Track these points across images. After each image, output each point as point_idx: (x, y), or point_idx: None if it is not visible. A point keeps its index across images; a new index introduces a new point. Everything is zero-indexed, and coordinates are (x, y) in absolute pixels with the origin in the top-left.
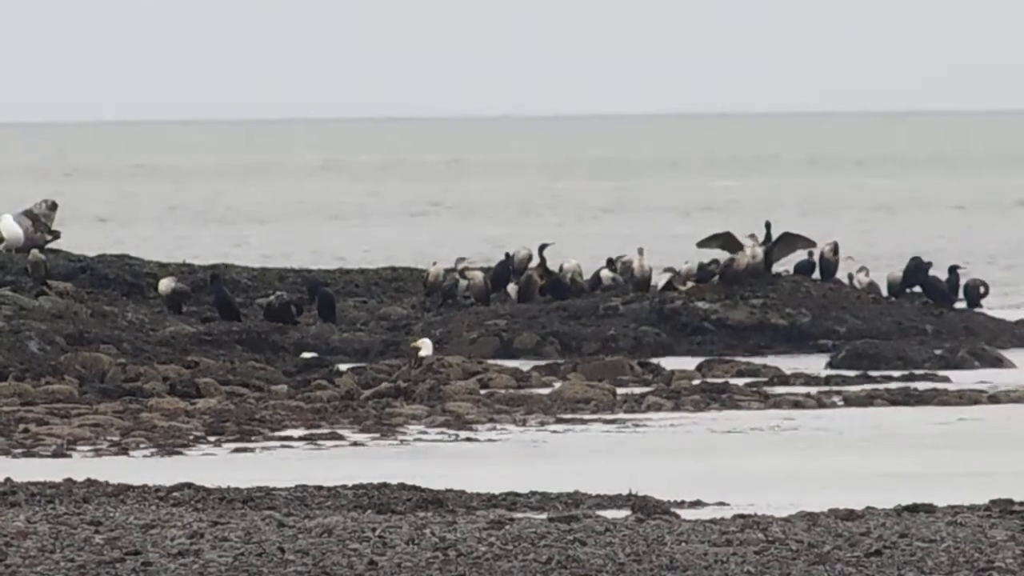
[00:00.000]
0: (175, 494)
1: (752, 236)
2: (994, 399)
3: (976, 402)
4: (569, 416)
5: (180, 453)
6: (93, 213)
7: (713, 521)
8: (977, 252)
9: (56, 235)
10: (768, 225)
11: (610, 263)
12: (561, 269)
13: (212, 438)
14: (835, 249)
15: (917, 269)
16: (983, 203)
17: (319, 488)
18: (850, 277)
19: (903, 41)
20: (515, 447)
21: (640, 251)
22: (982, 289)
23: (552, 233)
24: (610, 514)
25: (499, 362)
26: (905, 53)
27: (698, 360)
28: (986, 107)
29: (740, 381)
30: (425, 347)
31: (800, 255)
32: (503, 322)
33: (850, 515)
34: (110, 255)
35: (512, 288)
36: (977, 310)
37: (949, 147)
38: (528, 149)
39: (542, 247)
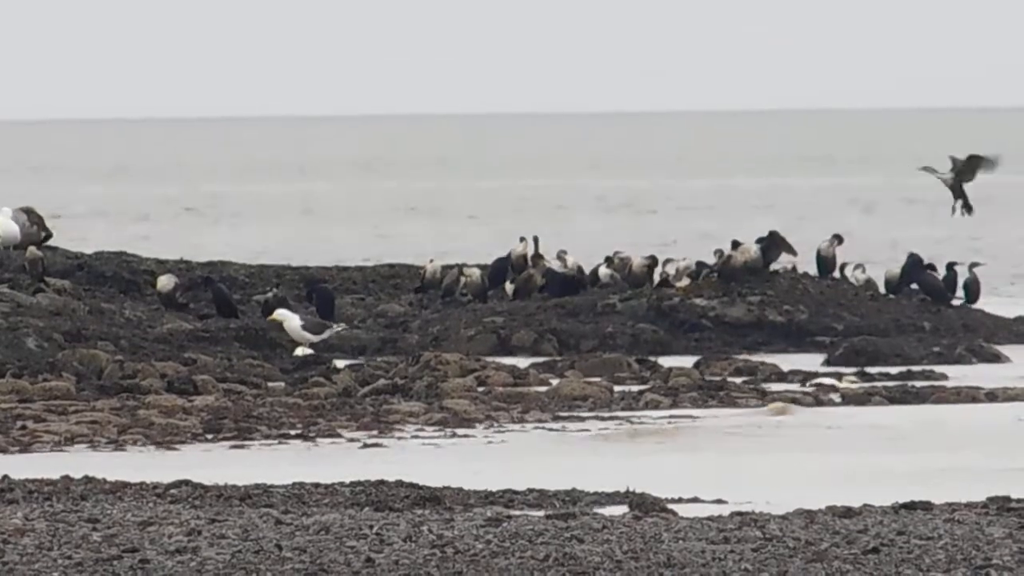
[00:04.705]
0: (173, 491)
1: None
2: (992, 396)
3: (974, 399)
4: (567, 413)
5: (177, 450)
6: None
7: (711, 518)
8: None
9: (49, 235)
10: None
11: (608, 261)
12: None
13: (210, 435)
14: (831, 243)
15: (915, 266)
16: None
17: (316, 485)
18: (842, 269)
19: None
20: (513, 444)
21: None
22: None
23: (553, 231)
24: (607, 511)
25: (497, 359)
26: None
27: (696, 357)
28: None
29: (738, 379)
30: (284, 318)
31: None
32: (501, 319)
33: (848, 512)
34: (107, 252)
35: (508, 286)
36: (975, 306)
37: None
38: (527, 148)
39: (537, 242)
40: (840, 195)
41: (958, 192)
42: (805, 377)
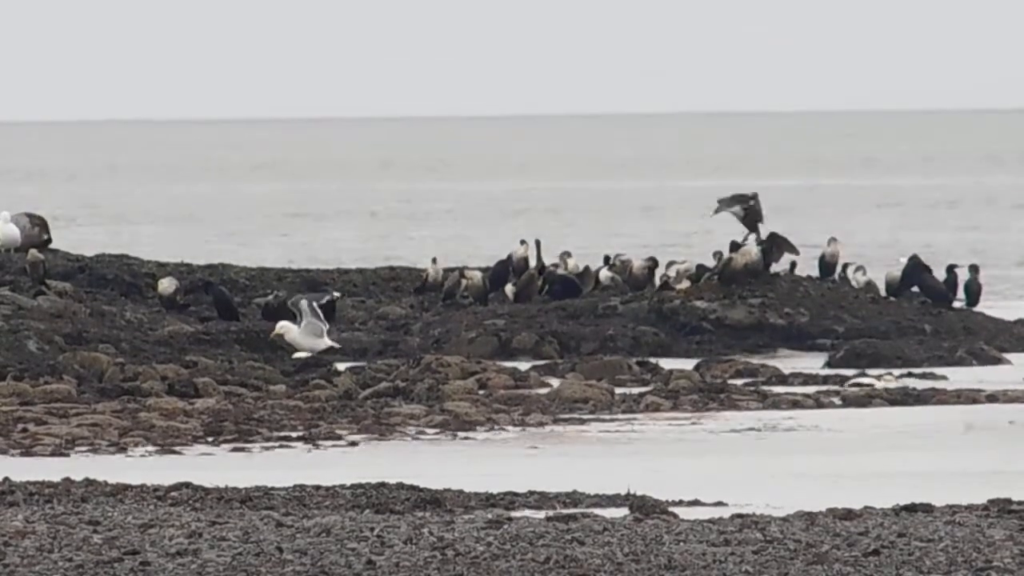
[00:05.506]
0: (173, 494)
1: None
2: (992, 398)
3: (974, 401)
4: (567, 416)
5: (178, 453)
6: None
7: (711, 521)
8: None
9: (50, 238)
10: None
11: (609, 263)
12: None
13: (210, 438)
14: (829, 243)
15: (915, 268)
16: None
17: (317, 488)
18: (843, 271)
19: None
20: (513, 447)
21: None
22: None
23: (554, 233)
24: (608, 513)
25: (498, 362)
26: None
27: (697, 360)
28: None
29: (738, 381)
30: (285, 331)
31: None
32: (502, 322)
33: (848, 515)
34: (109, 255)
35: (509, 288)
36: (976, 309)
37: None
38: (527, 149)
39: (539, 245)
40: (841, 196)
41: (751, 227)
42: (805, 379)
